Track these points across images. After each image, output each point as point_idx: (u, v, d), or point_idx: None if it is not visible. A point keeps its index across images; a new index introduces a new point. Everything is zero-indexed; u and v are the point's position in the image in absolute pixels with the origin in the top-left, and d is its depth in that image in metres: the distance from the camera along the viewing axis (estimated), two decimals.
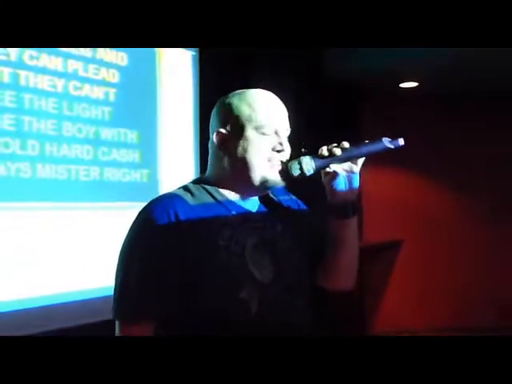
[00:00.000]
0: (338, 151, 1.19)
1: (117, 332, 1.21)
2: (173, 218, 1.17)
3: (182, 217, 1.18)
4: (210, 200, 1.23)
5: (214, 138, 1.26)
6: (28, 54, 2.44)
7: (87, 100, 2.67)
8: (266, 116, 1.22)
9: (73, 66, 2.62)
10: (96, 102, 2.71)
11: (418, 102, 5.01)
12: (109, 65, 2.78)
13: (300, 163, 1.17)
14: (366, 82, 4.73)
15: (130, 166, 2.83)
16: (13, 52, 2.38)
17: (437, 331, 4.89)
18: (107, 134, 2.74)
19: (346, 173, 1.22)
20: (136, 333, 1.18)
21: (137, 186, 2.84)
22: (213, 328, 1.16)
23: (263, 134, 1.21)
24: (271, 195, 1.31)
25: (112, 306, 1.21)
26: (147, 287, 1.17)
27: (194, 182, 1.29)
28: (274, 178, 1.21)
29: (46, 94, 2.50)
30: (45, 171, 2.47)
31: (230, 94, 1.29)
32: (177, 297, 1.17)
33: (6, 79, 2.37)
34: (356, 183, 1.24)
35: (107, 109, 2.76)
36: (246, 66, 3.69)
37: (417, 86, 4.85)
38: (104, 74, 2.76)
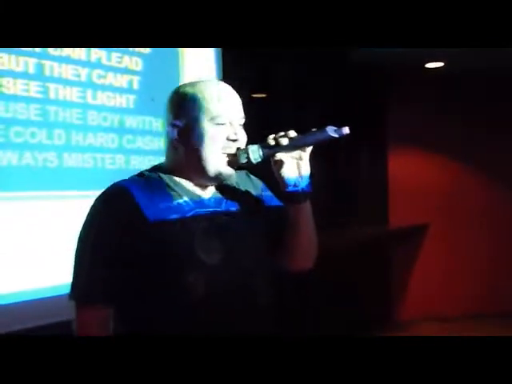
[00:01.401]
0: (284, 140, 1.23)
1: (73, 315, 1.24)
2: (124, 205, 1.22)
3: (133, 203, 1.22)
4: (163, 187, 1.26)
5: (169, 129, 1.29)
6: None
7: (111, 88, 2.68)
8: (219, 106, 1.24)
9: (96, 54, 2.63)
10: (120, 90, 2.72)
11: (443, 84, 4.92)
12: (131, 53, 2.78)
13: (247, 152, 1.22)
14: (391, 63, 4.65)
15: (155, 153, 2.84)
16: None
17: (464, 317, 4.85)
18: (132, 122, 2.76)
19: (296, 160, 1.26)
20: (89, 316, 1.23)
21: None
22: (164, 312, 1.20)
23: (217, 124, 1.24)
24: (230, 181, 1.33)
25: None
26: (98, 271, 1.22)
27: (150, 169, 1.32)
28: (228, 168, 1.25)
29: (71, 84, 2.52)
30: (71, 160, 2.50)
31: (184, 85, 1.32)
32: (126, 281, 1.21)
33: (32, 70, 2.39)
34: (305, 170, 1.27)
35: (131, 97, 2.77)
36: (269, 54, 3.66)
37: (442, 66, 4.75)
38: (127, 62, 2.77)
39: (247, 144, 1.27)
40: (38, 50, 2.41)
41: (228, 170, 1.26)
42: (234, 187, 1.34)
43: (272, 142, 1.24)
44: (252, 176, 1.41)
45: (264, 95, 4.25)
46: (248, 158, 1.23)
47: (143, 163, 2.78)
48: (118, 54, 2.72)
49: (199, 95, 1.25)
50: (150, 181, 1.27)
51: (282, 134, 1.24)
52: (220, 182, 1.29)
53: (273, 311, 1.33)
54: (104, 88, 2.65)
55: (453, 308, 5.06)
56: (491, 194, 5.22)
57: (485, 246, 5.17)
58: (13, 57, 2.32)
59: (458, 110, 5.05)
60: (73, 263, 1.26)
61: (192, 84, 1.30)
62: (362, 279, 4.67)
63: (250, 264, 1.27)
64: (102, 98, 2.63)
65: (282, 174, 1.26)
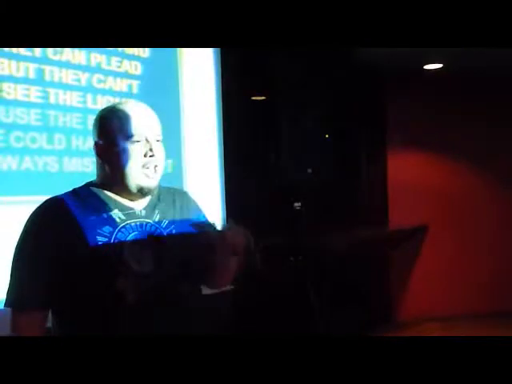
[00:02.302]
0: None
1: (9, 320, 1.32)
2: (57, 218, 1.32)
3: (66, 216, 1.31)
4: (95, 200, 1.35)
5: (93, 148, 1.39)
6: (51, 49, 2.47)
7: (111, 93, 2.70)
8: (134, 126, 1.33)
9: (96, 59, 2.64)
10: (120, 95, 2.73)
11: (443, 84, 4.94)
12: (131, 57, 2.79)
13: None
14: (390, 64, 4.66)
15: None
16: (37, 48, 2.42)
17: (465, 317, 4.85)
18: None
19: None
20: (23, 321, 1.31)
21: (162, 177, 2.86)
22: (97, 316, 1.29)
23: (133, 142, 1.32)
24: (163, 192, 1.43)
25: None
26: (34, 278, 1.30)
27: (82, 186, 1.41)
28: (149, 182, 1.35)
29: (71, 88, 2.54)
30: (71, 164, 2.51)
31: (105, 108, 1.42)
32: (58, 288, 1.30)
33: (32, 75, 2.40)
34: None
35: None
36: (267, 55, 3.68)
37: (441, 68, 4.77)
38: (127, 66, 2.78)
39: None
40: (38, 55, 2.42)
41: (149, 184, 1.35)
42: (167, 199, 1.43)
43: None
44: (175, 188, 1.52)
45: (263, 97, 4.26)
46: None
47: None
48: (118, 59, 2.74)
49: (116, 117, 1.35)
50: (82, 195, 1.37)
51: None
52: (144, 195, 1.37)
53: (204, 314, 1.42)
54: (104, 92, 2.66)
55: (454, 308, 5.07)
56: (492, 194, 5.23)
57: (486, 246, 5.17)
58: (13, 62, 2.33)
59: (458, 111, 5.06)
60: (9, 272, 1.33)
61: (111, 106, 1.40)
62: (362, 280, 4.68)
63: (179, 270, 1.35)
64: (102, 103, 2.64)
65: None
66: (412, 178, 5.23)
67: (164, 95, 2.95)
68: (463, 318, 4.90)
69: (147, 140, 1.33)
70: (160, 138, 1.37)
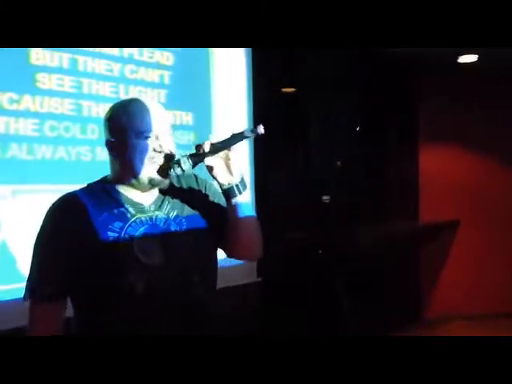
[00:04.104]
0: (206, 146, 1.36)
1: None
2: (71, 214, 1.36)
3: (79, 213, 1.36)
4: (107, 197, 1.40)
5: (105, 145, 1.43)
6: None
7: (143, 83, 2.71)
8: (144, 123, 1.36)
9: (128, 50, 2.66)
10: (151, 85, 2.75)
11: (477, 77, 4.83)
12: (163, 48, 2.80)
13: (179, 163, 1.35)
14: (423, 56, 4.58)
15: (186, 147, 2.86)
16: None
17: (494, 315, 4.77)
18: None
19: (223, 161, 1.39)
20: (40, 311, 1.35)
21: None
22: (111, 309, 1.33)
23: (144, 138, 1.36)
24: (175, 184, 1.46)
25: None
26: (46, 271, 1.36)
27: (98, 181, 1.46)
28: (156, 177, 1.38)
29: (104, 78, 2.56)
30: (104, 154, 2.53)
31: (115, 104, 1.45)
32: (73, 280, 1.35)
33: (66, 65, 2.43)
34: (235, 167, 1.39)
35: (163, 91, 2.80)
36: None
37: (476, 61, 4.66)
38: (158, 57, 2.80)
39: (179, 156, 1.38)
40: None
41: (159, 177, 1.38)
42: (178, 191, 1.46)
43: (198, 151, 1.37)
44: (198, 177, 1.52)
45: (293, 89, 4.24)
46: (181, 167, 1.35)
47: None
48: (150, 49, 2.75)
49: (126, 114, 1.38)
50: (96, 191, 1.41)
51: (204, 142, 1.37)
52: (154, 187, 1.41)
53: (215, 307, 1.44)
54: (136, 83, 2.68)
55: (483, 306, 4.98)
56: None
57: None
58: (47, 52, 2.36)
59: (493, 105, 4.95)
60: (29, 266, 1.39)
61: (120, 103, 1.44)
62: (390, 276, 4.63)
63: (190, 261, 1.38)
64: (135, 93, 2.66)
65: (215, 175, 1.39)
66: (443, 174, 5.15)
67: (195, 86, 2.96)
68: (491, 316, 4.82)
69: (156, 136, 1.37)
70: (169, 132, 1.40)
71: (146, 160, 1.36)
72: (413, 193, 5.21)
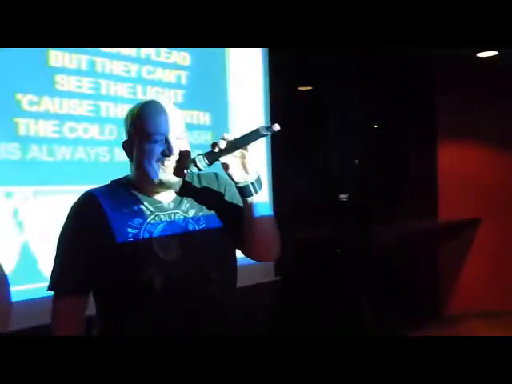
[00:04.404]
0: (222, 144, 1.35)
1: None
2: (94, 209, 1.39)
3: (99, 208, 1.39)
4: (127, 195, 1.42)
5: (122, 146, 1.46)
6: None
7: (160, 83, 2.73)
8: (153, 126, 1.37)
9: (145, 50, 2.68)
10: (168, 85, 2.77)
11: (496, 73, 4.77)
12: (180, 48, 2.82)
13: (195, 162, 1.35)
14: (441, 51, 4.53)
15: (203, 147, 2.85)
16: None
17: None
18: None
19: (240, 159, 1.38)
20: (62, 306, 1.39)
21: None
22: (132, 303, 1.35)
23: (152, 141, 1.37)
24: (193, 182, 1.48)
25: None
26: (69, 266, 1.40)
27: (119, 179, 1.48)
28: (170, 178, 1.38)
29: (122, 80, 2.58)
30: (122, 155, 2.55)
31: (132, 108, 1.45)
32: (95, 275, 1.38)
33: (84, 67, 2.46)
34: (251, 166, 1.39)
35: (180, 91, 2.81)
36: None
37: (496, 55, 4.60)
38: (175, 57, 2.81)
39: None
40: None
41: (171, 179, 1.39)
42: (197, 190, 1.48)
43: (214, 149, 1.36)
44: (220, 176, 1.52)
45: (310, 88, 4.23)
46: (197, 166, 1.36)
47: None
48: (167, 50, 2.77)
49: (136, 117, 1.40)
50: (116, 189, 1.44)
51: (220, 139, 1.36)
52: (168, 189, 1.42)
53: (233, 305, 1.44)
54: (153, 83, 2.70)
55: (502, 303, 4.93)
56: None
57: None
58: (66, 54, 2.39)
59: (510, 102, 4.88)
60: (53, 262, 1.43)
61: (137, 105, 1.44)
62: (410, 273, 4.60)
63: (208, 260, 1.39)
64: (151, 93, 2.68)
65: (230, 174, 1.38)
66: (462, 172, 5.10)
67: (212, 85, 2.97)
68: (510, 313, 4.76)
69: (166, 139, 1.37)
70: (183, 135, 1.41)
71: (155, 163, 1.37)
72: (432, 191, 5.17)
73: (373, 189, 4.43)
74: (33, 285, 2.24)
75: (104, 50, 2.52)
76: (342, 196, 4.20)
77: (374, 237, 4.15)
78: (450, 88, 5.01)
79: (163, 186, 1.39)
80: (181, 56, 2.83)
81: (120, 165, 2.53)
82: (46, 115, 2.33)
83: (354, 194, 4.23)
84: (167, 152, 1.37)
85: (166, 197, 1.43)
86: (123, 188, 1.44)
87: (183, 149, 1.40)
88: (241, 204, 1.45)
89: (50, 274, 1.42)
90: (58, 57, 2.37)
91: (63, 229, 1.43)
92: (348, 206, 4.19)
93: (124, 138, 1.45)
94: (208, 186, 1.50)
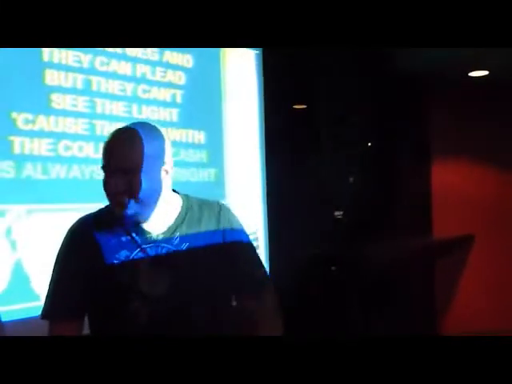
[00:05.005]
0: None
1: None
2: (85, 238, 1.36)
3: (91, 237, 1.36)
4: (116, 225, 1.37)
5: None
6: (99, 60, 2.54)
7: (155, 102, 2.74)
8: (108, 159, 1.32)
9: (141, 69, 2.70)
10: (164, 104, 2.78)
11: (489, 92, 4.82)
12: (175, 67, 2.84)
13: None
14: (435, 71, 4.58)
15: (197, 165, 2.89)
16: (85, 59, 2.48)
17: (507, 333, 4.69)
18: (175, 134, 2.81)
19: None
20: (55, 331, 1.37)
21: (205, 186, 2.90)
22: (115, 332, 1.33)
23: (108, 174, 1.32)
24: (191, 210, 1.41)
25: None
26: (60, 293, 1.38)
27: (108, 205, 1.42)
28: (119, 213, 1.33)
29: (117, 98, 2.59)
30: None
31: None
32: (85, 301, 1.37)
33: (80, 85, 2.47)
34: None
35: (175, 110, 2.83)
36: (309, 64, 3.68)
37: (487, 75, 4.66)
38: (171, 76, 2.83)
39: None
40: (86, 65, 2.49)
41: (124, 213, 1.32)
42: (194, 220, 1.40)
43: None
44: (224, 208, 1.46)
45: (305, 106, 4.26)
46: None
47: (186, 175, 2.83)
48: (162, 69, 2.79)
49: (103, 147, 1.35)
50: (106, 217, 1.39)
51: None
52: (131, 220, 1.35)
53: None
54: (149, 102, 2.71)
55: (499, 322, 4.91)
56: None
57: None
58: (62, 73, 2.40)
59: (505, 120, 4.93)
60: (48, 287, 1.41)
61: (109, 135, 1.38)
62: (405, 291, 4.59)
63: (194, 297, 1.35)
64: (147, 112, 2.69)
65: None
66: (457, 188, 5.12)
67: (207, 104, 2.98)
68: (508, 332, 4.74)
69: (121, 172, 1.29)
70: (138, 167, 1.30)
71: (111, 196, 1.32)
72: (426, 207, 5.18)
73: (367, 206, 4.44)
74: (25, 304, 2.22)
75: (100, 68, 2.54)
76: (336, 213, 4.20)
77: (368, 254, 4.15)
78: (443, 106, 5.06)
79: (122, 219, 1.34)
80: (176, 75, 2.85)
81: None
82: (41, 133, 2.33)
83: (349, 211, 4.23)
84: (120, 186, 1.30)
85: (158, 227, 1.37)
86: (113, 216, 1.37)
87: (136, 183, 1.30)
88: (238, 243, 1.41)
89: (44, 300, 1.41)
90: (53, 75, 2.38)
91: (57, 254, 1.41)
92: (343, 223, 4.19)
93: None
94: (208, 217, 1.42)
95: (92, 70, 2.51)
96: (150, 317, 1.31)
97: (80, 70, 2.46)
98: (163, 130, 1.44)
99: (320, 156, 4.25)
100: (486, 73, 4.60)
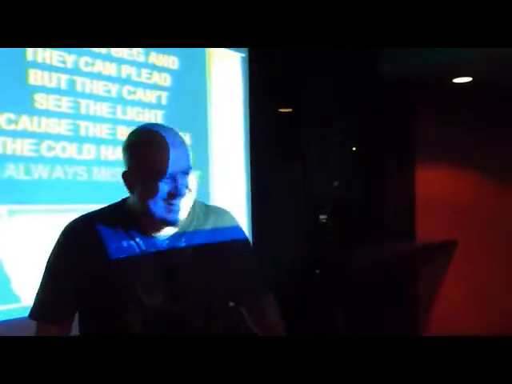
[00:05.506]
0: None
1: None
2: (82, 240, 1.30)
3: (89, 240, 1.29)
4: (120, 226, 1.31)
5: (122, 176, 1.32)
6: (84, 60, 2.52)
7: (140, 104, 2.73)
8: (160, 163, 1.24)
9: (126, 70, 2.68)
10: (149, 106, 2.77)
11: (472, 98, 4.87)
12: (161, 69, 2.83)
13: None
14: (418, 77, 4.62)
15: None
16: (69, 59, 2.47)
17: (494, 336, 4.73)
18: None
19: None
20: (45, 332, 1.33)
21: None
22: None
23: (160, 180, 1.24)
24: (198, 216, 1.37)
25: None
26: (52, 294, 1.33)
27: (115, 206, 1.37)
28: (175, 217, 1.27)
29: (101, 99, 2.58)
30: (100, 174, 2.54)
31: (133, 134, 1.32)
32: (74, 304, 1.32)
33: (64, 86, 2.45)
34: None
35: (160, 112, 2.81)
36: (295, 67, 3.69)
37: (471, 81, 4.71)
38: (156, 78, 2.82)
39: None
40: (70, 66, 2.47)
41: (174, 218, 1.27)
42: (201, 225, 1.37)
43: None
44: (232, 216, 1.45)
45: (290, 110, 4.27)
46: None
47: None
48: (148, 71, 2.77)
49: (142, 150, 1.26)
50: (111, 217, 1.33)
51: None
52: (171, 226, 1.31)
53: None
54: (134, 103, 2.70)
55: (482, 326, 4.95)
56: None
57: None
58: (46, 73, 2.38)
59: (487, 125, 4.98)
60: (39, 286, 1.36)
61: (140, 135, 1.31)
62: (388, 295, 4.62)
63: (196, 307, 1.31)
64: (132, 114, 2.68)
65: None
66: (440, 193, 5.16)
67: (192, 106, 2.98)
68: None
69: (173, 177, 1.25)
70: (189, 170, 1.29)
71: (162, 202, 1.25)
72: (410, 212, 5.22)
73: (352, 210, 4.46)
74: (5, 306, 2.20)
75: (85, 69, 2.52)
76: (321, 217, 4.21)
77: (352, 258, 4.16)
78: (428, 111, 5.10)
79: (167, 225, 1.29)
80: (162, 77, 2.84)
81: (97, 184, 2.52)
82: (24, 134, 2.31)
83: (334, 215, 4.25)
84: (175, 192, 1.25)
85: (163, 232, 1.32)
86: (119, 218, 1.32)
87: (190, 185, 1.29)
88: (246, 253, 1.41)
89: (35, 298, 1.36)
90: (37, 75, 2.36)
91: (52, 253, 1.34)
92: (328, 226, 4.20)
93: (120, 164, 1.34)
94: (215, 223, 1.39)
95: (76, 71, 2.49)
96: (148, 325, 1.27)
97: (64, 70, 2.44)
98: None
99: (305, 159, 4.26)
100: (469, 79, 4.65)
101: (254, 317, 1.49)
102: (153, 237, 1.31)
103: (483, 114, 4.97)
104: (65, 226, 1.35)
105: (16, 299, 2.22)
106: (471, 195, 5.18)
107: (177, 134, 1.32)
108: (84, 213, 1.38)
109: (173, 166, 1.24)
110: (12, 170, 2.27)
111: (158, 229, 1.31)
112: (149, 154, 1.25)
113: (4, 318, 2.15)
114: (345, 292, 3.93)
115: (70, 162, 2.44)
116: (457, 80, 4.68)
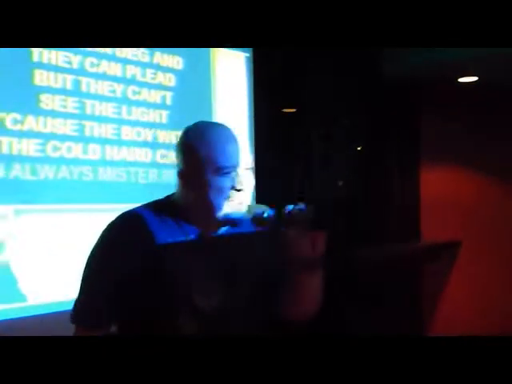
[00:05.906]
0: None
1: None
2: (130, 237, 1.22)
3: (147, 231, 1.22)
4: (173, 222, 1.25)
5: (177, 174, 1.28)
6: (89, 61, 2.53)
7: (145, 104, 2.74)
8: (224, 157, 1.22)
9: (131, 71, 2.69)
10: (154, 106, 2.78)
11: (478, 98, 4.86)
12: (165, 69, 2.84)
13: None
14: (423, 77, 4.62)
15: None
16: (75, 59, 2.48)
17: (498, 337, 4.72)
18: (165, 136, 2.81)
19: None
20: (87, 333, 1.24)
21: None
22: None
23: (222, 174, 1.21)
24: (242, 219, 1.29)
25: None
26: (95, 297, 1.24)
27: (165, 202, 1.31)
28: (232, 215, 1.23)
29: (107, 99, 2.59)
30: (106, 174, 2.55)
31: (190, 130, 1.28)
32: (124, 308, 1.23)
33: (69, 86, 2.46)
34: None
35: (164, 112, 2.82)
36: (299, 68, 3.69)
37: (476, 81, 4.70)
38: (161, 78, 2.83)
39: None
40: (75, 66, 2.48)
41: (234, 215, 1.24)
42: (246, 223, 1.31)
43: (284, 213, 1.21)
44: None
45: (294, 110, 4.27)
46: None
47: (175, 177, 2.83)
48: (152, 71, 2.78)
49: (204, 145, 1.23)
50: (161, 214, 1.26)
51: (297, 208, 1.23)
52: (223, 226, 1.28)
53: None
54: (138, 104, 2.71)
55: (486, 329, 4.94)
56: None
57: None
58: (51, 73, 2.39)
59: (494, 125, 4.97)
60: (79, 287, 1.28)
61: (200, 127, 1.28)
62: (392, 295, 4.61)
63: (246, 309, 1.27)
64: (137, 114, 2.69)
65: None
66: (444, 194, 5.16)
67: (197, 106, 2.99)
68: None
69: (237, 171, 1.23)
70: (250, 165, 1.28)
71: (223, 199, 1.22)
72: (415, 212, 5.21)
73: (356, 210, 4.46)
74: (12, 305, 2.21)
75: (90, 69, 2.53)
76: (325, 217, 4.21)
77: (355, 259, 4.16)
78: (432, 111, 5.09)
79: (226, 221, 1.24)
80: (166, 77, 2.85)
81: (103, 184, 2.53)
82: (30, 134, 2.32)
83: (338, 215, 4.25)
84: (238, 187, 1.22)
85: (220, 228, 1.28)
86: (168, 214, 1.26)
87: (250, 180, 1.27)
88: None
89: (75, 300, 1.27)
90: (42, 76, 2.37)
91: (97, 252, 1.25)
92: (332, 226, 4.20)
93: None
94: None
95: (82, 71, 2.50)
96: (201, 328, 1.21)
97: (69, 71, 2.45)
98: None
99: (309, 160, 4.26)
100: (475, 79, 4.64)
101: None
102: (208, 232, 1.27)
103: (489, 113, 4.96)
104: (109, 222, 1.28)
105: (22, 298, 2.23)
106: (475, 196, 5.17)
107: (230, 129, 1.29)
108: (100, 212, 1.35)
109: (232, 160, 1.23)
110: (18, 170, 2.28)
111: (217, 224, 1.26)
112: (211, 149, 1.22)
113: (10, 317, 2.16)
114: (349, 292, 3.93)
115: (75, 162, 2.46)
116: (462, 79, 4.66)
